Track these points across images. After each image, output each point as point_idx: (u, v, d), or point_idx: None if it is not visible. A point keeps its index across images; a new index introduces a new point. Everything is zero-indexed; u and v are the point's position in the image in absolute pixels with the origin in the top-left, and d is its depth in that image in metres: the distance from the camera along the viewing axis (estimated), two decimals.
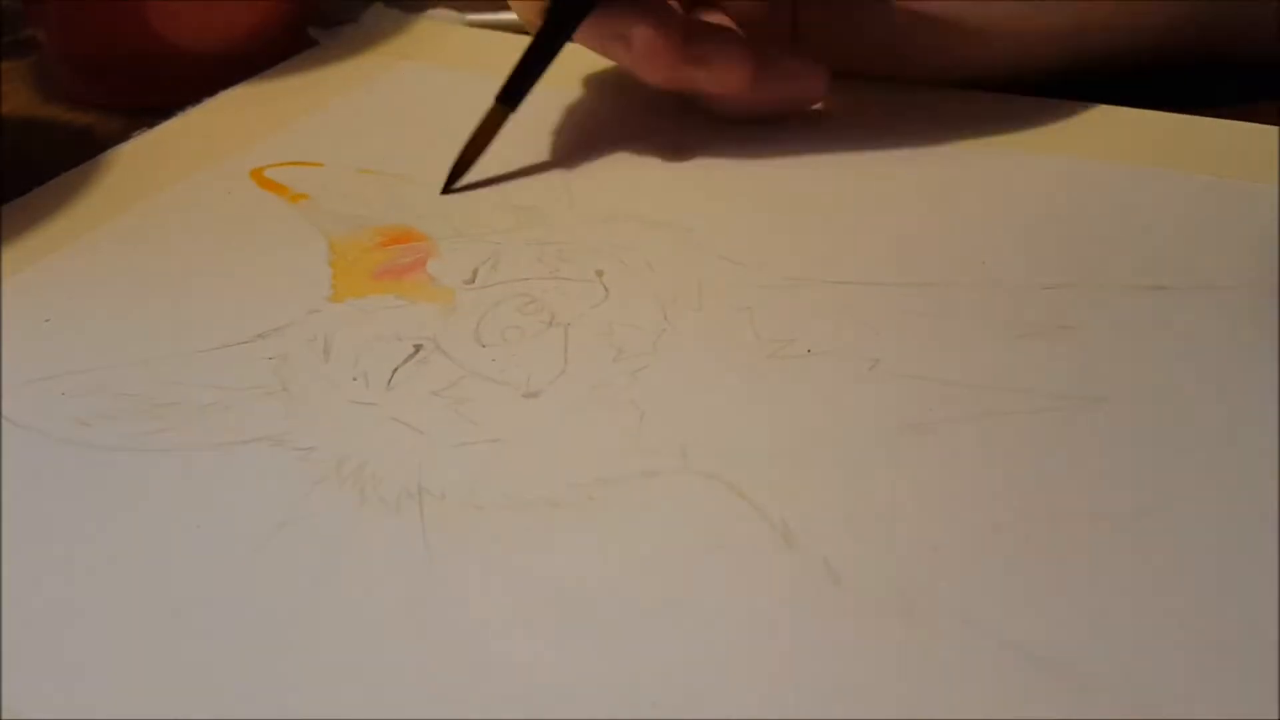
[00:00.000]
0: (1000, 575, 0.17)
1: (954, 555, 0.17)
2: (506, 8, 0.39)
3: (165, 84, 0.33)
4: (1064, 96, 0.29)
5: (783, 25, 0.30)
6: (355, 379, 0.21)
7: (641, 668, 0.16)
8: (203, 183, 0.29)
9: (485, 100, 0.32)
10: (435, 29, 0.38)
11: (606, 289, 0.24)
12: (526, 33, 0.37)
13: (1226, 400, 0.20)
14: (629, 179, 0.28)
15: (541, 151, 0.29)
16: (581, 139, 0.30)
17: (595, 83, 0.33)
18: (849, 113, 0.30)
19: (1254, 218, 0.24)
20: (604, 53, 0.28)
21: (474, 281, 0.24)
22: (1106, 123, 0.28)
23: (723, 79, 0.27)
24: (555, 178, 0.28)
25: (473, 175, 0.28)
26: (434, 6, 0.39)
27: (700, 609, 0.16)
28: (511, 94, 0.28)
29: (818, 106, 0.30)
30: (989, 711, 0.15)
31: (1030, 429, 0.19)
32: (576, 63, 0.35)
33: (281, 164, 0.29)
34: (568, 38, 0.27)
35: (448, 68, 0.35)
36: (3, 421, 0.21)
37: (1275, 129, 0.27)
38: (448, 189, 0.28)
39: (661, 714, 0.15)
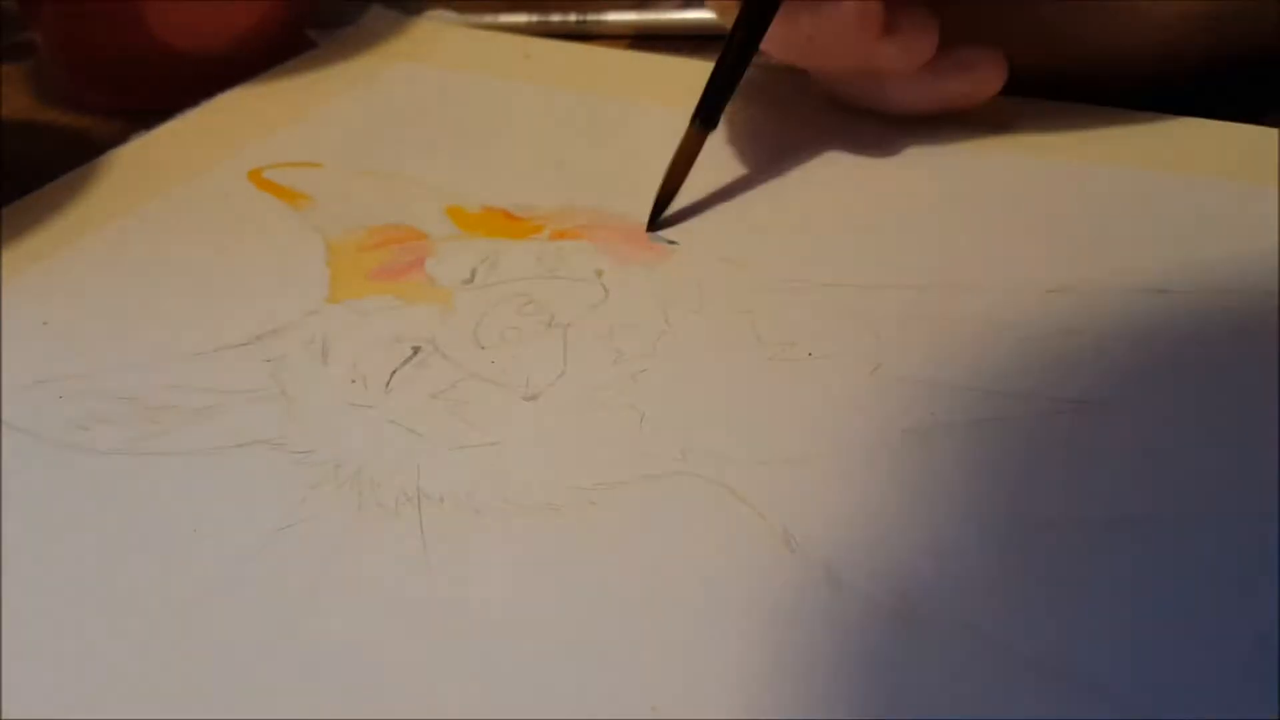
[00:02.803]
0: (1001, 579, 0.17)
1: (955, 559, 0.17)
2: (505, 8, 0.39)
3: (163, 86, 0.33)
4: (1197, 101, 0.28)
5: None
6: (353, 381, 0.21)
7: (641, 671, 0.16)
8: (201, 185, 0.29)
9: (484, 101, 0.32)
10: (434, 30, 0.38)
11: (606, 289, 0.23)
12: (526, 33, 0.38)
13: (1229, 404, 0.20)
14: (630, 178, 0.28)
15: (541, 152, 0.29)
16: (581, 138, 0.30)
17: (601, 82, 0.33)
18: (851, 115, 0.30)
19: (1256, 221, 0.24)
20: (794, 36, 0.26)
21: (472, 281, 0.24)
22: (1109, 126, 0.28)
23: (912, 49, 0.26)
24: (553, 177, 0.28)
25: (477, 180, 0.28)
26: (432, 8, 0.39)
27: (700, 613, 0.16)
28: (708, 114, 0.26)
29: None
30: (990, 715, 0.15)
31: (1032, 433, 0.19)
32: (573, 63, 0.35)
33: (280, 165, 0.29)
34: (764, 31, 0.26)
35: (446, 69, 0.35)
36: (0, 425, 0.21)
37: (1276, 131, 0.27)
38: (653, 227, 0.26)
39: (661, 716, 0.15)
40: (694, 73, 0.34)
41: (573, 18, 0.38)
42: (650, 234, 0.25)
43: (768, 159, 0.28)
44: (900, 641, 0.16)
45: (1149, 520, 0.17)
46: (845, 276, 0.24)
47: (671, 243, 0.25)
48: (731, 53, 0.26)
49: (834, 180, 0.27)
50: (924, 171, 0.27)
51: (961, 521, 0.18)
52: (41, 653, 0.16)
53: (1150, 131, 0.28)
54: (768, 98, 0.32)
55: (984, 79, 0.27)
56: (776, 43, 0.27)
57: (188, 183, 0.29)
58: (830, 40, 0.26)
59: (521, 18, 0.39)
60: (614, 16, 0.38)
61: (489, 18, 0.39)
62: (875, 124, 0.29)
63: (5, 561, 0.18)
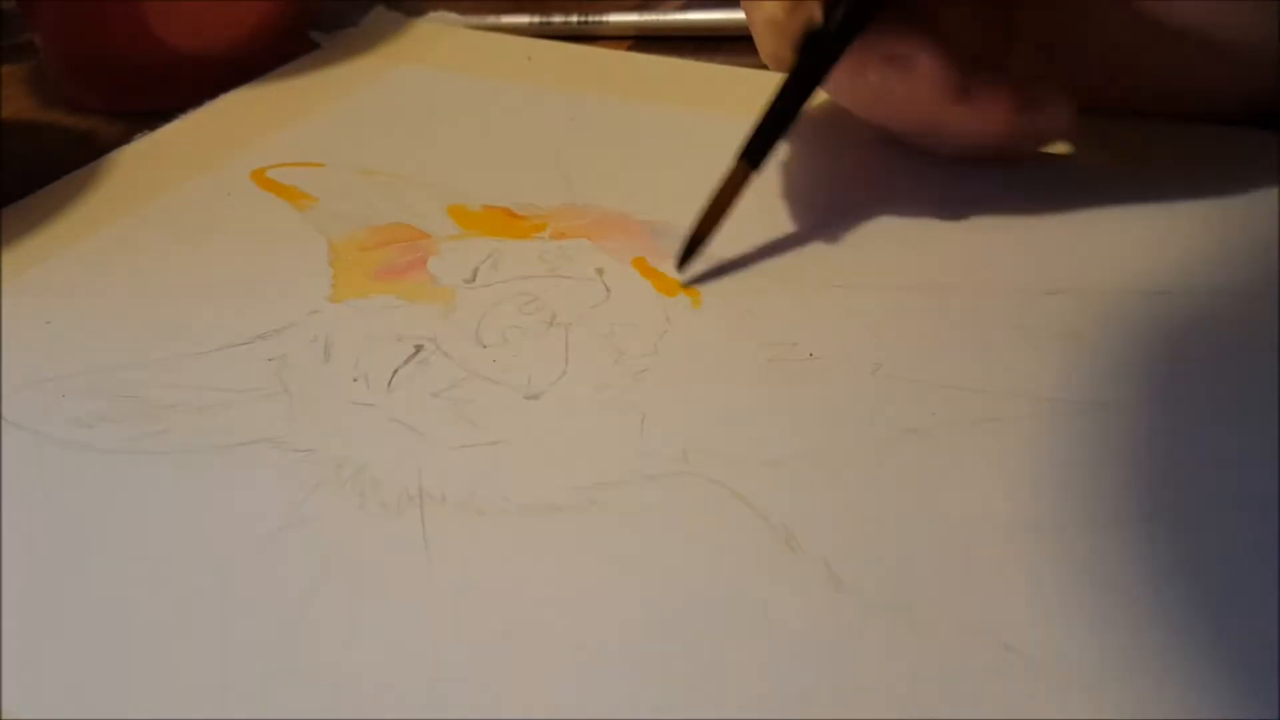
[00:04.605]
0: (1002, 579, 0.17)
1: (956, 560, 0.17)
2: (507, 10, 0.39)
3: (165, 88, 0.33)
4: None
5: (996, 45, 0.26)
6: (355, 380, 0.21)
7: (643, 671, 0.16)
8: (204, 185, 0.29)
9: (486, 102, 0.32)
10: (436, 32, 0.38)
11: (608, 288, 0.24)
12: (528, 34, 0.38)
13: (1228, 405, 0.20)
14: (631, 178, 0.28)
15: (543, 151, 0.29)
16: (583, 138, 0.30)
17: (603, 83, 0.33)
18: (853, 117, 0.30)
19: (1255, 223, 0.24)
20: (860, 88, 0.24)
21: (474, 280, 0.24)
22: (1108, 128, 0.28)
23: (986, 118, 0.24)
24: (555, 176, 0.28)
25: (474, 179, 0.28)
26: (435, 9, 0.39)
27: (700, 613, 0.16)
28: (756, 151, 0.24)
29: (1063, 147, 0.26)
30: (990, 715, 0.15)
31: (1032, 434, 0.19)
32: (575, 64, 0.35)
33: (283, 165, 0.29)
34: (829, 69, 0.24)
35: (448, 70, 0.35)
36: (3, 423, 0.21)
37: (1276, 135, 0.27)
38: (682, 263, 0.24)
39: (662, 715, 0.15)
40: (695, 74, 0.34)
41: (574, 19, 0.38)
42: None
43: (770, 162, 0.28)
44: (901, 642, 0.16)
45: (1149, 520, 0.17)
46: (847, 277, 0.24)
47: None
48: (785, 98, 0.24)
49: (835, 181, 0.27)
50: (923, 172, 0.27)
51: (962, 522, 0.18)
52: (41, 653, 0.16)
53: (1150, 132, 0.28)
54: None
55: (1054, 122, 0.25)
56: (842, 91, 0.25)
57: (190, 183, 0.29)
58: (900, 100, 0.24)
59: (523, 19, 0.39)
60: (615, 18, 0.38)
61: (491, 19, 0.39)
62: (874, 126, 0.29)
63: (5, 561, 0.18)
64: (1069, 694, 0.15)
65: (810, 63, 0.24)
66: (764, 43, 0.25)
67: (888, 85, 0.24)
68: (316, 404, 0.21)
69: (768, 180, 0.27)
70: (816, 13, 0.23)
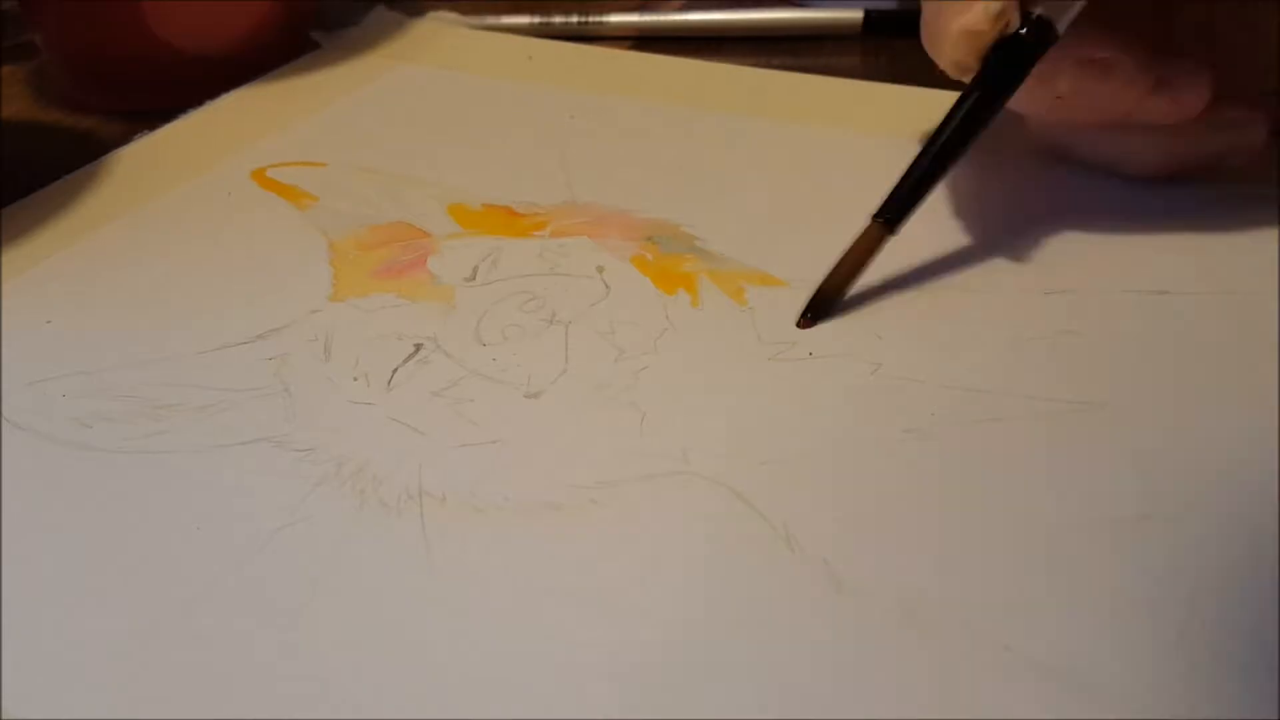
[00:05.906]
0: (1001, 580, 0.17)
1: (955, 560, 0.17)
2: (508, 10, 0.39)
3: (166, 87, 0.33)
4: None
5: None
6: (356, 379, 0.21)
7: (643, 671, 0.16)
8: (204, 185, 0.29)
9: (487, 101, 0.32)
10: (436, 31, 0.38)
11: (607, 286, 0.24)
12: (528, 34, 0.38)
13: (1228, 405, 0.20)
14: (631, 177, 0.28)
15: (543, 150, 0.29)
16: (583, 137, 0.30)
17: (603, 82, 0.33)
18: (855, 118, 0.30)
19: (1255, 222, 0.24)
20: (1042, 94, 0.23)
21: (474, 279, 0.24)
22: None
23: (1183, 102, 0.23)
24: (555, 175, 0.28)
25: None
26: (435, 9, 0.39)
27: (700, 613, 0.16)
28: (894, 211, 0.22)
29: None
30: (990, 715, 0.15)
31: (1032, 434, 0.19)
32: (575, 64, 0.35)
33: (284, 164, 0.29)
34: (1015, 87, 0.22)
35: (449, 70, 0.35)
36: (3, 423, 0.21)
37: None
38: (808, 322, 0.22)
39: (662, 715, 0.15)
40: (695, 74, 0.34)
41: (575, 19, 0.38)
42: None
43: (770, 163, 0.28)
44: (900, 642, 0.16)
45: (1149, 520, 0.17)
46: None
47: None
48: (978, 107, 0.22)
49: (833, 181, 0.27)
50: None
51: (962, 522, 0.18)
52: (41, 653, 0.16)
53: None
54: (767, 94, 0.32)
55: (1247, 137, 0.25)
56: (1022, 98, 0.23)
57: (191, 182, 0.29)
58: (1091, 96, 0.23)
59: (524, 19, 0.39)
60: (616, 18, 0.38)
61: (491, 19, 0.39)
62: (875, 126, 0.29)
63: (6, 560, 0.18)
64: (1069, 694, 0.15)
65: (1004, 71, 0.22)
66: (955, 50, 0.23)
67: (1084, 88, 0.23)
68: (317, 403, 0.21)
69: (767, 179, 0.27)
70: (1014, 20, 0.22)
